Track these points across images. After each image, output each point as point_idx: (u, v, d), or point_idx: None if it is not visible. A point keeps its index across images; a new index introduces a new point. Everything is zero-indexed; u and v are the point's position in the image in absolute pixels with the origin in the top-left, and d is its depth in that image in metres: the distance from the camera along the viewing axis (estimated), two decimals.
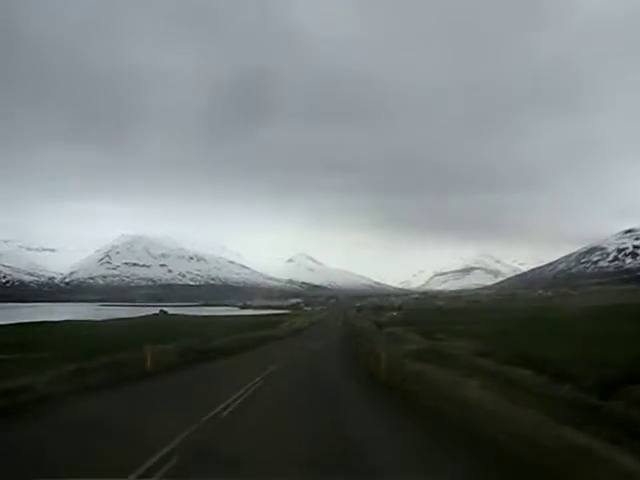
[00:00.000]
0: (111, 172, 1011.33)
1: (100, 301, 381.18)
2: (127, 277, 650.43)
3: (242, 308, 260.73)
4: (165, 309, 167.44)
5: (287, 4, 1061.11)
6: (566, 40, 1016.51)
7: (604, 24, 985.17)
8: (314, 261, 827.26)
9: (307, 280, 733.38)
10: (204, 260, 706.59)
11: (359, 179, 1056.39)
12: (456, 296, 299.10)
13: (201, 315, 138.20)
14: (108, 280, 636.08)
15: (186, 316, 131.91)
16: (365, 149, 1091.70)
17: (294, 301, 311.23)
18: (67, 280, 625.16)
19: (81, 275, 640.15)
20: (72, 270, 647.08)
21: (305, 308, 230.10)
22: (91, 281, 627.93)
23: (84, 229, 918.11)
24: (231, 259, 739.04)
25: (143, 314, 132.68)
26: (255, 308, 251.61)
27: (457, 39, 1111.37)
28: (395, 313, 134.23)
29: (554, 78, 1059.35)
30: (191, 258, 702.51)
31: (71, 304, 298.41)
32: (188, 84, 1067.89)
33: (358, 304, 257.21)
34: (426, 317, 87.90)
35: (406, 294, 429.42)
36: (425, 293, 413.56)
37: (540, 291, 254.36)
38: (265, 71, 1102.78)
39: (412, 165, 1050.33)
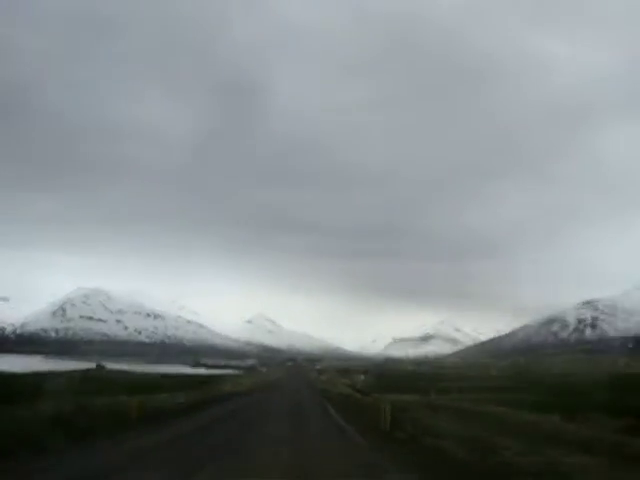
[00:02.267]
0: (71, 223, 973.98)
1: (51, 354, 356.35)
2: (82, 331, 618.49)
3: (194, 367, 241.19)
4: (103, 364, 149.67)
5: (256, 69, 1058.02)
6: (518, 110, 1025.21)
7: (568, 96, 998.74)
8: (273, 323, 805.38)
9: (265, 342, 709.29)
10: (161, 317, 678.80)
11: (321, 242, 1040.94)
12: (422, 362, 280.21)
13: (137, 372, 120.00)
14: (61, 333, 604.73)
15: (121, 372, 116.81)
16: (327, 213, 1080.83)
17: (250, 362, 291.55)
18: (18, 331, 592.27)
19: (33, 327, 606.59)
20: (24, 321, 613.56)
21: (260, 369, 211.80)
22: (43, 333, 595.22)
23: (40, 279, 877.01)
24: (189, 318, 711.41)
25: (77, 368, 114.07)
26: (208, 367, 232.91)
27: (419, 108, 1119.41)
28: (363, 377, 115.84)
29: (516, 147, 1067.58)
30: (148, 315, 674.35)
31: (14, 356, 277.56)
32: (153, 138, 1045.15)
33: (318, 366, 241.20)
34: (412, 382, 67.73)
35: (365, 359, 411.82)
36: (387, 358, 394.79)
37: (509, 359, 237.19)
38: (230, 129, 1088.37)
39: (373, 230, 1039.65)
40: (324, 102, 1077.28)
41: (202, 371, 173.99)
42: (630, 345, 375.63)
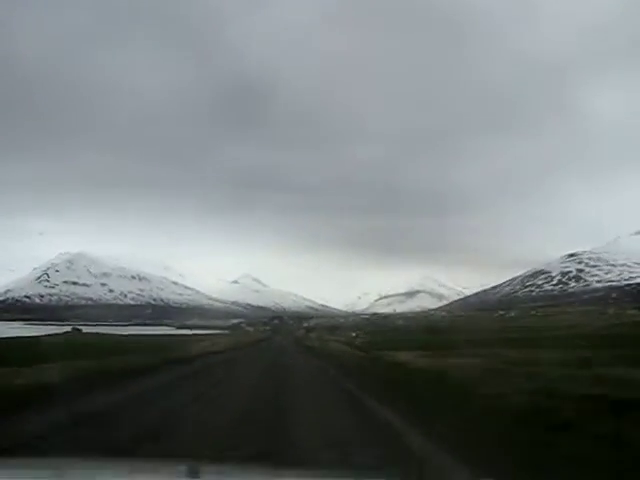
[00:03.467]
0: (52, 187, 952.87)
1: (33, 320, 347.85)
2: (66, 296, 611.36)
3: (179, 328, 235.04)
4: (79, 328, 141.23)
5: (249, 26, 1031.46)
6: (502, 64, 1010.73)
7: (540, 52, 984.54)
8: (259, 283, 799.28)
9: (252, 302, 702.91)
10: (147, 280, 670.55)
11: (304, 200, 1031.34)
12: (411, 317, 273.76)
13: (115, 335, 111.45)
14: (46, 299, 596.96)
15: (97, 335, 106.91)
16: (311, 171, 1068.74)
17: (235, 321, 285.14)
18: (1, 299, 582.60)
19: (17, 294, 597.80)
20: (7, 288, 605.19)
21: (247, 328, 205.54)
22: (27, 300, 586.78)
23: (23, 246, 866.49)
24: (174, 279, 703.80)
25: (51, 332, 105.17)
26: (192, 328, 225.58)
27: (399, 65, 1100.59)
28: (354, 334, 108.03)
29: (499, 101, 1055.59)
30: (133, 278, 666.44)
31: None
32: (137, 98, 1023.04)
33: (305, 324, 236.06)
34: (415, 337, 59.43)
35: (352, 316, 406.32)
36: (374, 314, 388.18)
37: (501, 312, 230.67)
38: (220, 90, 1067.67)
39: (357, 187, 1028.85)
40: (310, 53, 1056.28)
41: (186, 332, 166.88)
42: (614, 295, 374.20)
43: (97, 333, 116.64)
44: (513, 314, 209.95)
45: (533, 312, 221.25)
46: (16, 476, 2.71)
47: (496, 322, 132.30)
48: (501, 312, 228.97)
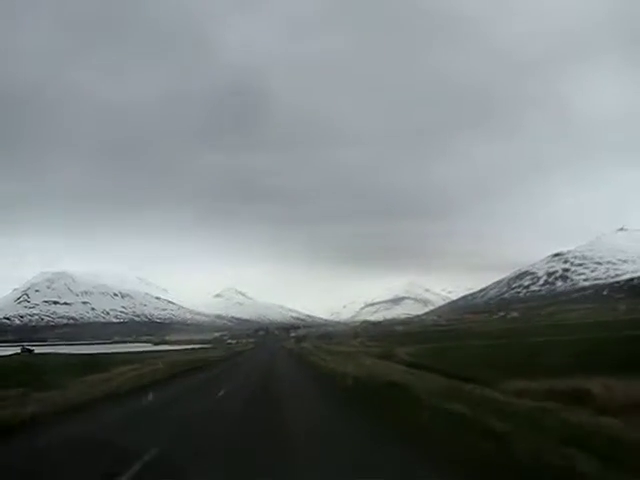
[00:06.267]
0: (28, 204, 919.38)
1: (14, 342, 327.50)
2: (47, 316, 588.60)
3: (156, 344, 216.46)
4: (31, 348, 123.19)
5: (222, 25, 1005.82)
6: (480, 64, 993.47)
7: (520, 48, 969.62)
8: (243, 295, 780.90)
9: (236, 314, 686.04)
10: (129, 297, 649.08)
11: (284, 211, 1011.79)
12: (406, 322, 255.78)
13: (67, 354, 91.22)
14: (26, 320, 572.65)
15: (45, 355, 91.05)
16: (288, 178, 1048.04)
17: (217, 335, 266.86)
18: None
19: None
20: None
21: (229, 341, 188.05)
22: (7, 321, 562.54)
23: (4, 266, 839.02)
24: (157, 295, 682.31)
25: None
26: (172, 343, 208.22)
27: (376, 65, 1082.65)
28: (356, 341, 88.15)
29: (472, 102, 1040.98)
30: (115, 295, 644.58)
31: None
32: (108, 111, 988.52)
33: (293, 334, 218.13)
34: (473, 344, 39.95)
35: (338, 324, 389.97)
36: (364, 322, 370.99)
37: (501, 313, 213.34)
38: (187, 96, 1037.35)
39: (335, 194, 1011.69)
40: (287, 56, 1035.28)
41: (161, 347, 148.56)
42: (604, 292, 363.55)
43: (46, 354, 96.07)
44: (516, 315, 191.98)
45: (532, 314, 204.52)
46: None
47: (523, 323, 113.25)
48: (501, 313, 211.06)
